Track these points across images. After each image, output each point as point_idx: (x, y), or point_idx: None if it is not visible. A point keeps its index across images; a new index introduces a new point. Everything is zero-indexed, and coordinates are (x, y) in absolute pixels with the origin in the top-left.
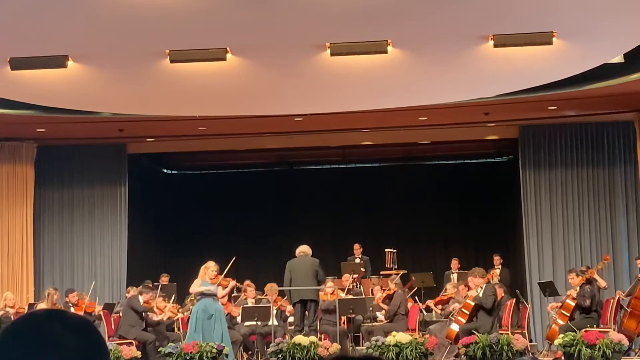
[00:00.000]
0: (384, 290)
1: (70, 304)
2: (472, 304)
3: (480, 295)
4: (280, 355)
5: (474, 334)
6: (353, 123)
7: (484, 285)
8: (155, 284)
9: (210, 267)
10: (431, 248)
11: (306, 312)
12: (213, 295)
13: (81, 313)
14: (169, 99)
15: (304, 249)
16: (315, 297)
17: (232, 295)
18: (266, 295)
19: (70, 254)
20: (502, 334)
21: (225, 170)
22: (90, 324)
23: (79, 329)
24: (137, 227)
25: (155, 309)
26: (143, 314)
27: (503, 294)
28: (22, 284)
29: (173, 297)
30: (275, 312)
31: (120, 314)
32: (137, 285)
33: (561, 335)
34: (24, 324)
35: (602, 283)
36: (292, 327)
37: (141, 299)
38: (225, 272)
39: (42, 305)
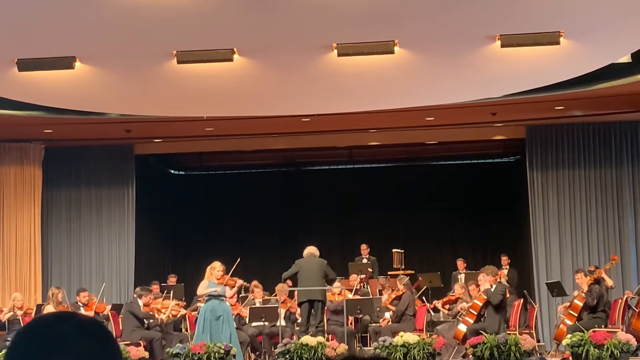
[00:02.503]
0: (393, 291)
1: (80, 304)
2: (480, 304)
3: (492, 289)
4: (287, 356)
5: (481, 334)
6: (360, 123)
7: (495, 284)
8: (162, 284)
9: (216, 268)
10: (438, 248)
11: (312, 312)
12: (221, 296)
13: (91, 313)
14: (176, 99)
15: (311, 250)
16: (322, 298)
17: (240, 295)
18: (275, 295)
19: (77, 255)
20: (509, 334)
21: (233, 170)
22: (102, 325)
23: (91, 331)
24: (144, 228)
25: (155, 313)
26: (144, 320)
27: (509, 294)
28: (30, 284)
29: (182, 299)
30: (283, 313)
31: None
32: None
33: (569, 336)
34: (35, 327)
35: (609, 282)
36: (298, 327)
37: (141, 302)
38: (231, 272)
39: (49, 306)
